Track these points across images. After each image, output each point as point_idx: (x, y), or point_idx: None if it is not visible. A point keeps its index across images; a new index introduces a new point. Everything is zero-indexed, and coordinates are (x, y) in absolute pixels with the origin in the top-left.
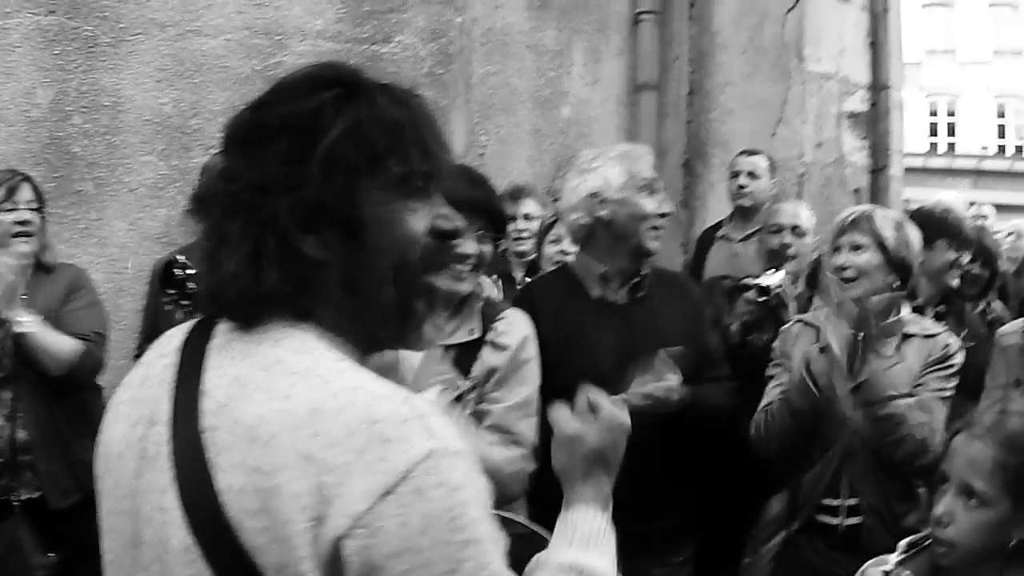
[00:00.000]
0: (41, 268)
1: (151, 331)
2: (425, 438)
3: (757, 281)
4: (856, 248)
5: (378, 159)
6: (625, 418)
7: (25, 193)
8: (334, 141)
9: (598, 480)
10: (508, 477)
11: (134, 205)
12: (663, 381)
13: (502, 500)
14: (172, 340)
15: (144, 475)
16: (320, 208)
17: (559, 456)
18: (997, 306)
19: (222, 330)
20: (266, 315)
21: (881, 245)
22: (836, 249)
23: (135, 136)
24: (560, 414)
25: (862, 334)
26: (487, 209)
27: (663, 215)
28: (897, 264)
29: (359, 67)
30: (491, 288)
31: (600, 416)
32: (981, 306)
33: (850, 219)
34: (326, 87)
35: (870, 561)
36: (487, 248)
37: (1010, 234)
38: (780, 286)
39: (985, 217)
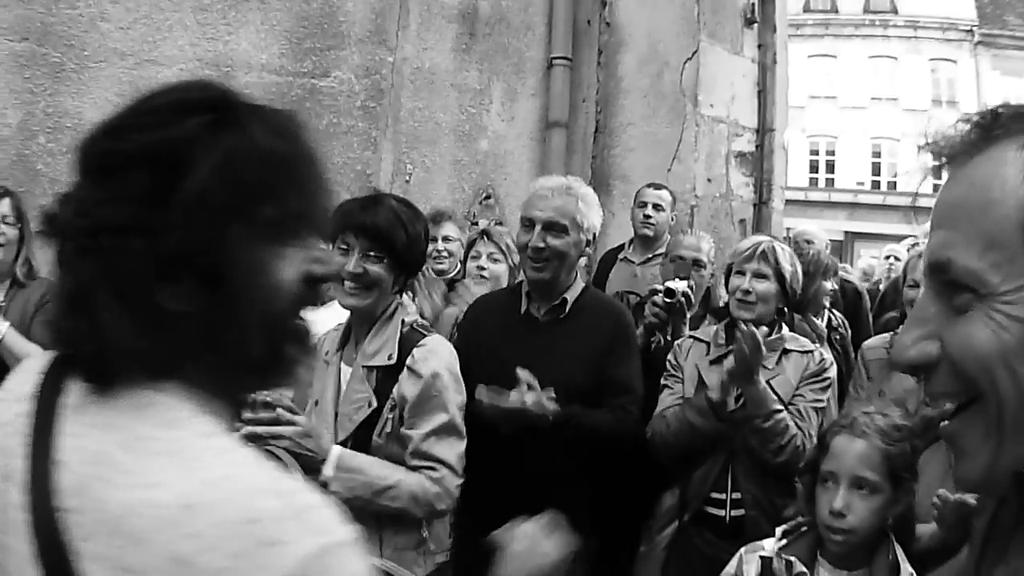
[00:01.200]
0: (16, 282)
1: None
2: (310, 535)
3: (666, 285)
4: (759, 276)
5: (249, 201)
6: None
7: (3, 207)
8: (202, 180)
9: None
10: (434, 497)
11: None
12: (541, 398)
13: (431, 517)
14: (26, 381)
15: (7, 533)
16: (181, 256)
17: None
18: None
19: (76, 387)
20: (124, 374)
21: (780, 276)
22: (740, 273)
23: None
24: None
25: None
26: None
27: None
28: (789, 293)
29: (232, 89)
30: (414, 312)
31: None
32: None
33: (758, 250)
34: (195, 112)
35: (746, 547)
36: (375, 268)
37: (888, 257)
38: (684, 292)
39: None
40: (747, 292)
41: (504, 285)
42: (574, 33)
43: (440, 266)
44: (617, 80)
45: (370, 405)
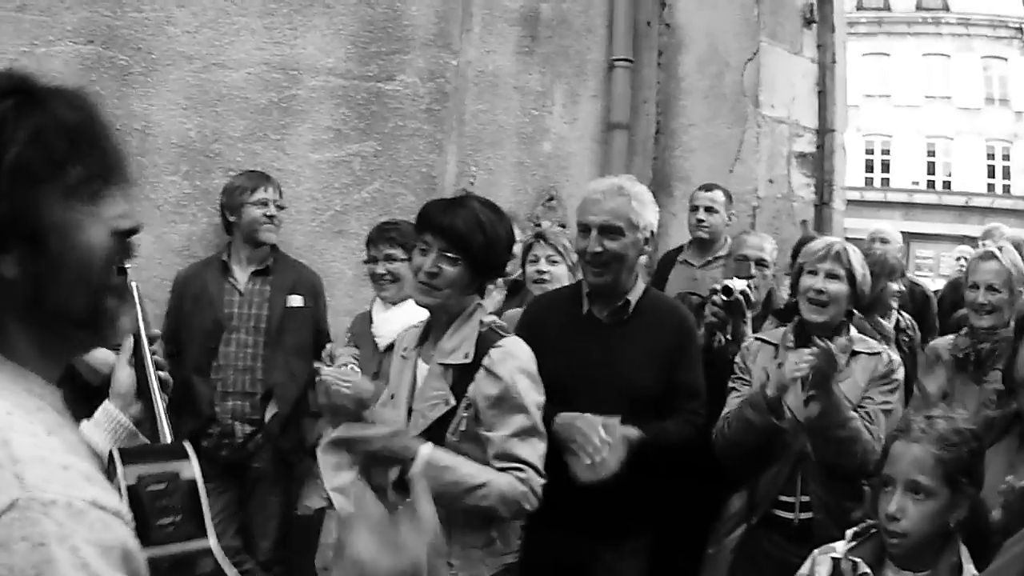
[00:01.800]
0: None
1: (171, 335)
2: (12, 487)
3: (723, 283)
4: (832, 277)
5: (58, 165)
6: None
7: None
8: (16, 153)
9: None
10: (521, 496)
11: (159, 220)
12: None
13: (517, 517)
14: None
15: None
16: (7, 224)
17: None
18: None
19: None
20: None
21: (851, 277)
22: (812, 272)
23: (162, 158)
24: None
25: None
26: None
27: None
28: (859, 295)
29: (30, 73)
30: (490, 313)
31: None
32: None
33: (832, 250)
34: (2, 96)
35: (818, 549)
36: (450, 269)
37: (958, 259)
38: (743, 291)
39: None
40: (820, 292)
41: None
42: (634, 35)
43: None
44: (677, 81)
45: (447, 403)
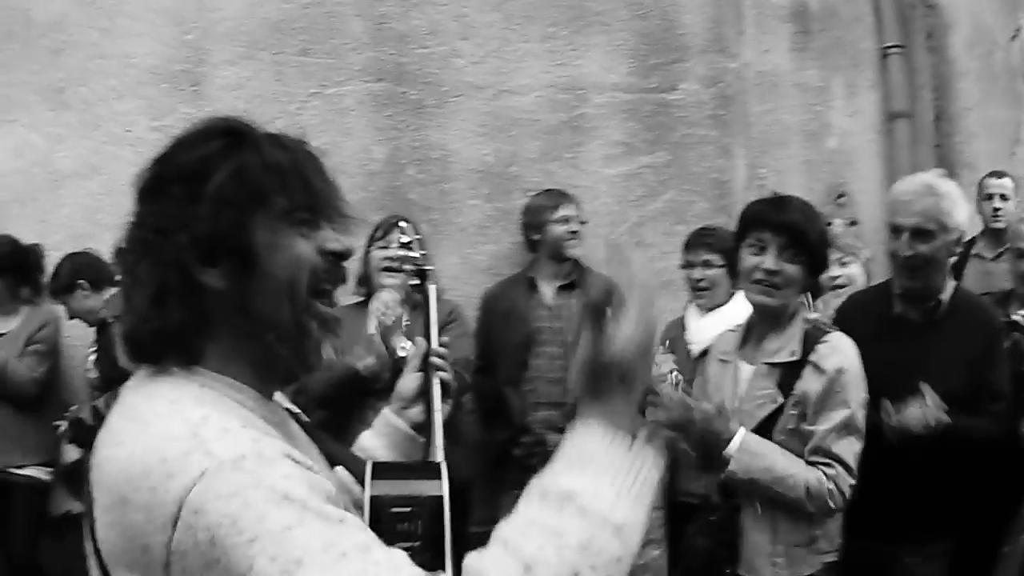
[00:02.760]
0: (416, 304)
1: (482, 350)
2: (202, 461)
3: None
4: None
5: (263, 195)
6: (650, 331)
7: (398, 233)
8: (220, 182)
9: (608, 397)
10: (827, 494)
11: (464, 242)
12: (925, 410)
13: (821, 514)
14: None
15: None
16: (215, 241)
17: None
18: None
19: (141, 371)
20: (169, 356)
21: None
22: None
23: (462, 183)
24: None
25: None
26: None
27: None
28: None
29: (247, 120)
30: (811, 310)
31: (623, 323)
32: None
33: None
34: (214, 138)
35: None
36: (790, 267)
37: None
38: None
39: None
40: None
41: (860, 285)
42: (901, 19)
43: None
44: (949, 64)
45: (774, 402)
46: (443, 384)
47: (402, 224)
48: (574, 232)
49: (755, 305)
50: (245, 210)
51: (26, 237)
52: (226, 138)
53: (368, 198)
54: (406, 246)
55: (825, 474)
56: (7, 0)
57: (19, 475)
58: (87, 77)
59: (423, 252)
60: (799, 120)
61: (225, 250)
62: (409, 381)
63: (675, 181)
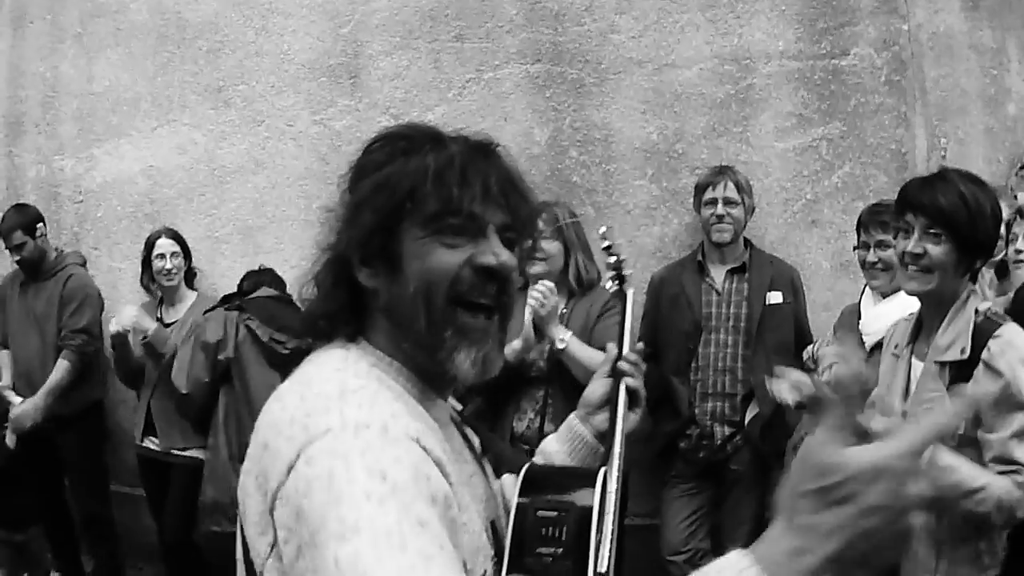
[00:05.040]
0: (572, 293)
1: (649, 337)
2: (333, 419)
3: None
4: None
5: (402, 202)
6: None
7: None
8: (374, 187)
9: (809, 524)
10: (1016, 502)
11: (631, 225)
12: None
13: (1008, 525)
14: None
15: None
16: (369, 243)
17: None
18: None
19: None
20: (336, 333)
21: None
22: None
23: (627, 163)
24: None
25: None
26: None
27: None
28: None
29: (429, 125)
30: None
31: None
32: None
33: None
34: (387, 142)
35: None
36: (935, 249)
37: None
38: None
39: None
40: None
41: None
42: None
43: None
44: None
45: None
46: (631, 392)
47: (602, 229)
48: (720, 216)
49: (907, 292)
50: (390, 216)
51: (195, 231)
52: (397, 143)
53: (531, 183)
54: (607, 250)
55: (1015, 482)
56: (159, 4)
57: (179, 456)
58: (246, 75)
59: (622, 257)
60: (977, 85)
61: (376, 251)
62: (597, 387)
63: (852, 153)
